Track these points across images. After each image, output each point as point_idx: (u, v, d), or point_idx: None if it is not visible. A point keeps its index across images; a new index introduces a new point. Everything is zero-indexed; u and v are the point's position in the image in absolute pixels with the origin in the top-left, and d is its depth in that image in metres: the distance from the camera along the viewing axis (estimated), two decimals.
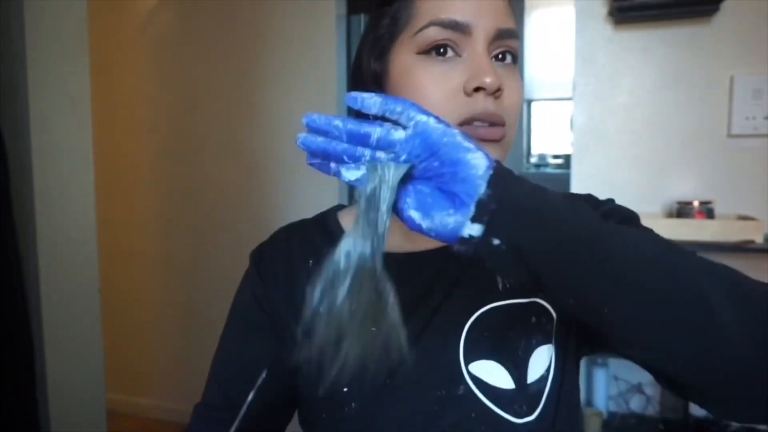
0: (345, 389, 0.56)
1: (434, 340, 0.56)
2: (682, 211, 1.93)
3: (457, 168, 0.41)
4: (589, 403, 2.09)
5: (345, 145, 0.44)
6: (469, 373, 0.54)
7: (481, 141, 0.52)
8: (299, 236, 0.66)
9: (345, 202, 1.87)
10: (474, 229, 0.41)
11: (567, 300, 0.41)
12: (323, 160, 0.46)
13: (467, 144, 0.42)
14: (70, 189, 1.74)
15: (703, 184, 2.03)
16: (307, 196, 2.48)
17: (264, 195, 2.59)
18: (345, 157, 0.44)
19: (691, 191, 2.03)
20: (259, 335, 0.63)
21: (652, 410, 2.14)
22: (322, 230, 0.64)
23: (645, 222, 0.54)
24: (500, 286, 0.58)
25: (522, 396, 0.53)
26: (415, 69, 0.53)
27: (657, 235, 0.45)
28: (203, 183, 2.69)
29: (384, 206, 0.43)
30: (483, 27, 0.52)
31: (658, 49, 2.05)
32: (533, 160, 5.00)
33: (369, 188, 0.43)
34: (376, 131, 0.43)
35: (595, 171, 2.14)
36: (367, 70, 0.58)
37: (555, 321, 0.57)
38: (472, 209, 0.41)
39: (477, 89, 0.51)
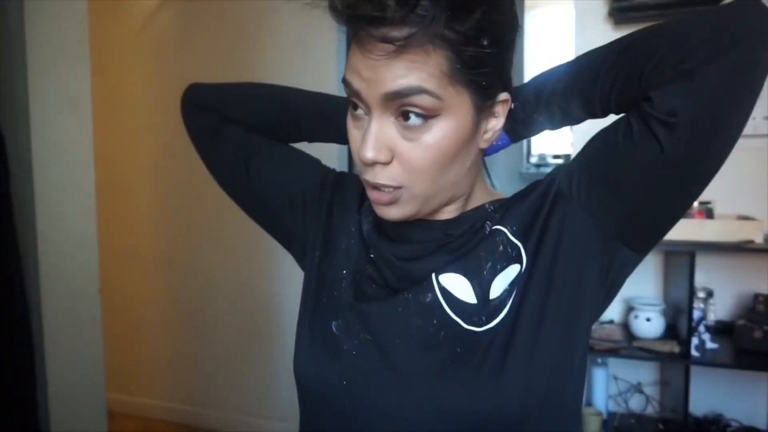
0: None
1: (411, 246, 0.61)
2: None
3: None
4: (589, 402, 2.09)
5: None
6: (438, 283, 0.58)
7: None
8: (354, 185, 0.71)
9: None
10: None
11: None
12: None
13: None
14: (70, 189, 1.74)
15: None
16: None
17: None
18: None
19: None
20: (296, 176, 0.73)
21: (651, 410, 2.14)
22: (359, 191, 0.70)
23: None
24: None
25: (483, 310, 0.56)
26: (347, 120, 0.57)
27: None
28: (203, 183, 2.67)
29: None
30: (372, 95, 0.50)
31: None
32: (533, 160, 4.98)
33: None
34: None
35: None
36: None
37: (521, 250, 0.58)
38: None
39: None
